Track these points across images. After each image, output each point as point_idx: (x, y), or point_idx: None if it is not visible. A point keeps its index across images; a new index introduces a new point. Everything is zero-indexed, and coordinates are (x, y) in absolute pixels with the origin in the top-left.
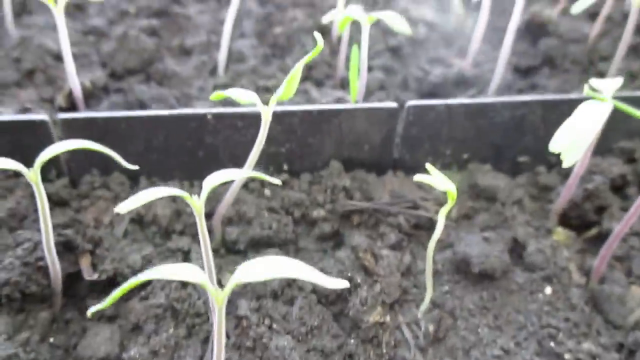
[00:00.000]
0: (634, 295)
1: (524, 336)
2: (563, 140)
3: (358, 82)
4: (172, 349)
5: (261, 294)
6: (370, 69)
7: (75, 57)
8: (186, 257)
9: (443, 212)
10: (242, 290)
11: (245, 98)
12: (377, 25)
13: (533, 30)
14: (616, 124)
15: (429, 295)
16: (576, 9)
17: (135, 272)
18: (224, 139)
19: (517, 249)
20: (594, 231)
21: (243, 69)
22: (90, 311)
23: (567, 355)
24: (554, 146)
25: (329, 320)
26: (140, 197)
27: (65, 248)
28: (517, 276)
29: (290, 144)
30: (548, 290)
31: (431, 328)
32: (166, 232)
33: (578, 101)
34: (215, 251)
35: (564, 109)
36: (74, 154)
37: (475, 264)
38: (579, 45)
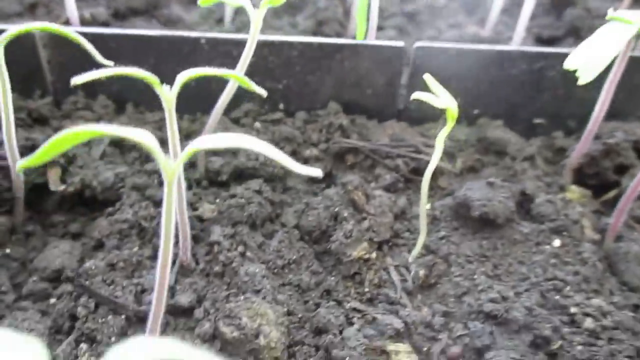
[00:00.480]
0: None
1: (525, 287)
2: (580, 57)
3: (368, 25)
4: (133, 266)
5: (238, 221)
6: (381, 28)
7: None
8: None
9: (442, 135)
10: (218, 217)
11: (235, 1)
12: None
13: (559, 4)
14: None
15: (422, 238)
16: None
17: (105, 188)
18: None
19: (525, 202)
20: (612, 193)
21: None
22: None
23: (573, 309)
24: (569, 63)
25: (310, 257)
26: (100, 72)
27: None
28: (522, 227)
29: (288, 80)
30: (557, 242)
31: (422, 272)
32: (147, 159)
33: None
34: (197, 182)
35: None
36: (60, 74)
37: (476, 207)
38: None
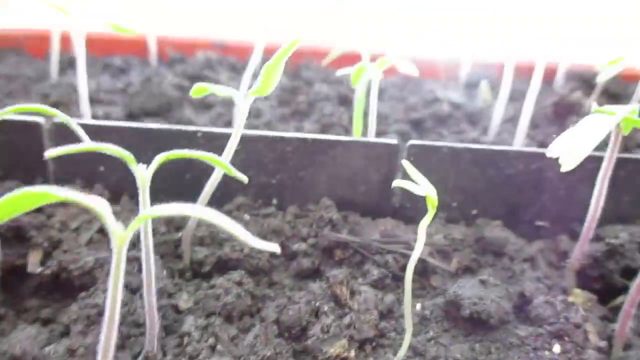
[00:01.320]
0: None
1: None
2: (563, 145)
3: (368, 126)
4: (94, 353)
5: (212, 312)
6: (384, 133)
7: (102, 100)
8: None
9: (424, 223)
10: (194, 307)
11: (224, 91)
12: (400, 101)
13: (561, 112)
14: None
15: (407, 339)
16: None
17: (83, 273)
18: None
19: (524, 305)
20: (620, 298)
21: (257, 123)
22: None
23: None
24: (552, 150)
25: (286, 355)
26: (73, 147)
27: (16, 236)
28: (519, 330)
29: (282, 174)
30: (557, 348)
31: None
32: (133, 246)
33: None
34: (180, 273)
35: (587, 166)
36: (61, 163)
37: (466, 306)
38: None
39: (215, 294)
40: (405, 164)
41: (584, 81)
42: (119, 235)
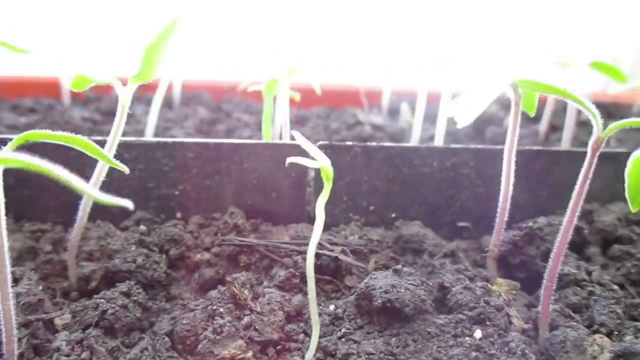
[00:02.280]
0: (601, 343)
1: None
2: (459, 104)
3: (278, 132)
4: None
5: (89, 324)
6: None
7: None
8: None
9: (321, 200)
10: (71, 323)
11: (103, 79)
12: (324, 127)
13: (480, 125)
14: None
15: (315, 338)
16: None
17: None
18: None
19: (444, 297)
20: None
21: None
22: None
23: None
24: (447, 110)
25: None
26: None
27: None
28: (437, 319)
29: (185, 185)
30: (478, 333)
31: None
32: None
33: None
34: (65, 294)
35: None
36: None
37: (378, 295)
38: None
39: (95, 304)
40: (295, 133)
41: (498, 99)
42: None
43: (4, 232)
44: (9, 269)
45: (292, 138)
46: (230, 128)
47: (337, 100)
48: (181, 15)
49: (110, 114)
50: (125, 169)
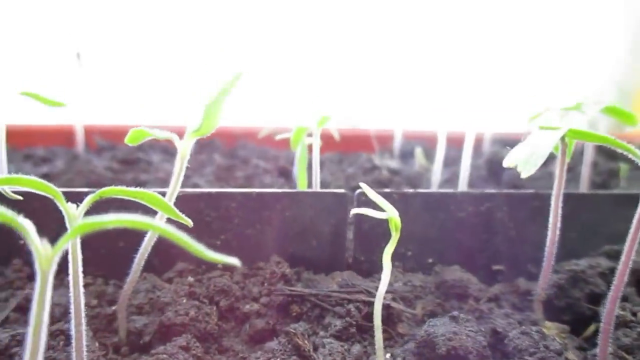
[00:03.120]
0: None
1: None
2: (519, 155)
3: (312, 181)
4: None
5: None
6: None
7: None
8: (68, 341)
9: (389, 248)
10: None
11: (163, 135)
12: (340, 172)
13: (495, 168)
14: (598, 227)
15: None
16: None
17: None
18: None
19: (498, 343)
20: (592, 327)
21: None
22: None
23: None
24: (509, 160)
25: None
26: None
27: None
28: None
29: (227, 234)
30: None
31: None
32: (52, 322)
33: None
34: (116, 349)
35: (533, 204)
36: None
37: (441, 343)
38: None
39: None
40: (364, 186)
41: (508, 144)
42: (45, 254)
43: (81, 291)
44: (83, 326)
45: (323, 185)
46: (250, 174)
47: (348, 144)
48: (243, 70)
49: (127, 163)
50: (189, 222)
